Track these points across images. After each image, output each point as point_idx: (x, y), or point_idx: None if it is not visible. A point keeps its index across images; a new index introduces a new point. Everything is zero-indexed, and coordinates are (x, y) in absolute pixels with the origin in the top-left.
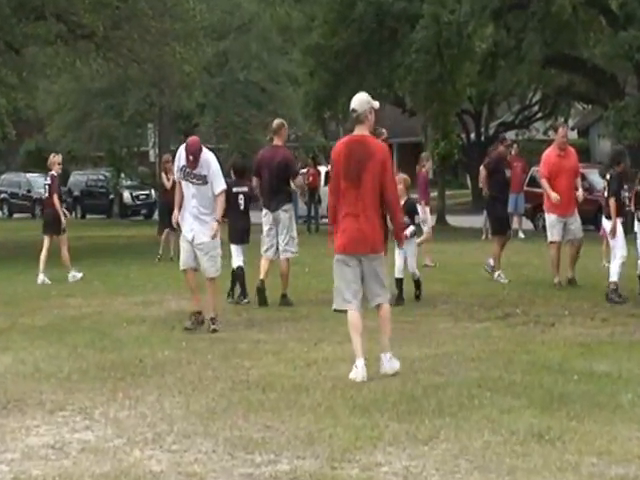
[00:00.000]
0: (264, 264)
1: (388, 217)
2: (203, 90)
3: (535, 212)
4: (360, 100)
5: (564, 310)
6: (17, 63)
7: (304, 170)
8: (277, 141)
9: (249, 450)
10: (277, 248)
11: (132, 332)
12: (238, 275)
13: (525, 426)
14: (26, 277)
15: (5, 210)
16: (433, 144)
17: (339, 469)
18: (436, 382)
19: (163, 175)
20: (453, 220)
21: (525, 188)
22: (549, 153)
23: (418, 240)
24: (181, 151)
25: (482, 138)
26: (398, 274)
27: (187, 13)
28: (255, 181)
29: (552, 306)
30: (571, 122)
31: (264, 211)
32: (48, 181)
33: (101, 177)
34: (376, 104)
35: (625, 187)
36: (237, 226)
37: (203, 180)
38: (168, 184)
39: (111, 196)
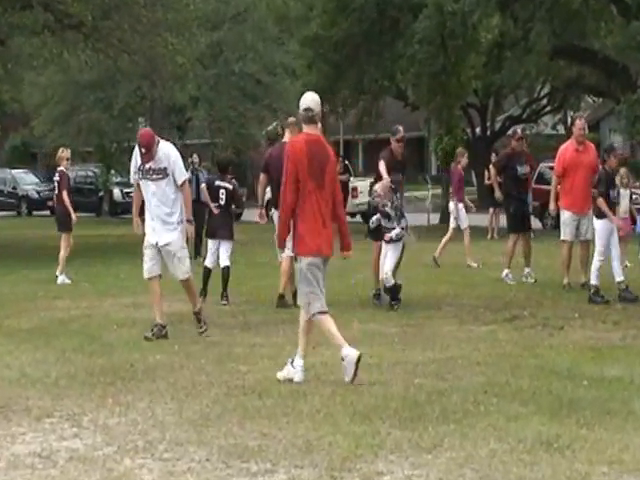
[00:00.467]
0: (283, 266)
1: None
2: (196, 82)
3: (543, 210)
4: (315, 99)
5: (574, 312)
6: (2, 54)
7: None
8: (287, 138)
9: (244, 459)
10: None
11: (122, 335)
12: (203, 274)
13: (533, 434)
14: (11, 278)
15: None
16: (436, 139)
17: (339, 479)
18: (440, 387)
19: None
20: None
21: (533, 185)
22: (566, 147)
23: (445, 238)
24: (137, 151)
25: (488, 133)
26: (390, 280)
27: (180, 2)
28: (262, 177)
29: (561, 308)
30: None
31: (273, 210)
32: (57, 177)
33: (90, 173)
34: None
35: (617, 185)
36: (213, 221)
37: (163, 173)
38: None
39: (100, 193)
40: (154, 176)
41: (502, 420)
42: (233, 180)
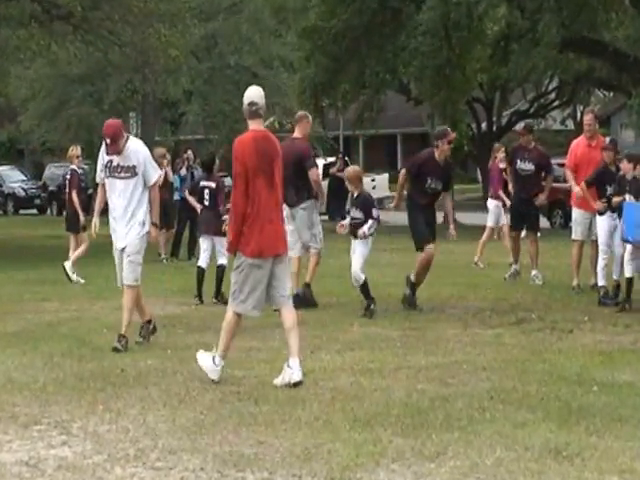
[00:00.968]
0: (294, 262)
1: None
2: (190, 76)
3: (552, 209)
4: (259, 93)
5: (583, 315)
6: None
7: None
8: (297, 133)
9: (240, 467)
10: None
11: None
12: (197, 275)
13: (541, 441)
14: None
15: None
16: None
17: None
18: (444, 393)
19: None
20: (463, 217)
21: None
22: (578, 142)
23: (483, 239)
24: (104, 147)
25: (494, 128)
26: (357, 282)
27: None
28: None
29: (570, 311)
30: None
31: (284, 206)
32: (68, 176)
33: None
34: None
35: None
36: (204, 217)
37: (132, 172)
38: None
39: (90, 191)
40: (122, 174)
41: (509, 427)
42: (222, 177)
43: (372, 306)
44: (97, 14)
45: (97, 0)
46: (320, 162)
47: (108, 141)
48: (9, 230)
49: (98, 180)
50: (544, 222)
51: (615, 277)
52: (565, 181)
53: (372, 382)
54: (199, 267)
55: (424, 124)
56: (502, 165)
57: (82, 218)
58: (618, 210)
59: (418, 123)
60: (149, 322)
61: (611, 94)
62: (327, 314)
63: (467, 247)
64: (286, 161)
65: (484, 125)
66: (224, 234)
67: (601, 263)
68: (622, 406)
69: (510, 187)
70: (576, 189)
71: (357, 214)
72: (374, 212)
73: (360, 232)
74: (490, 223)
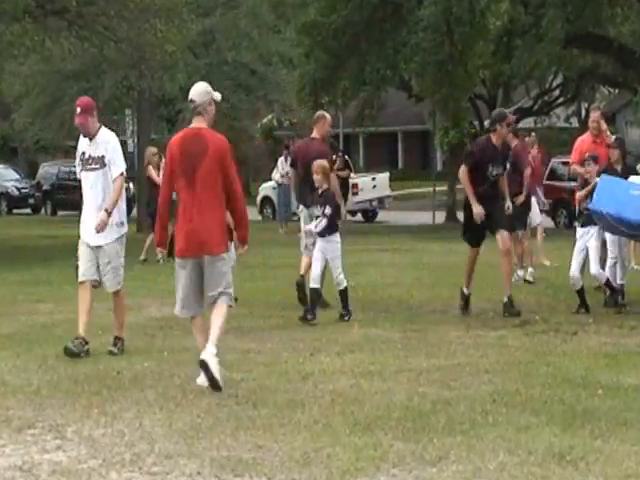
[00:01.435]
0: (304, 260)
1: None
2: (187, 72)
3: (556, 208)
4: (199, 90)
5: (588, 317)
6: None
7: None
8: (315, 133)
9: (238, 472)
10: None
11: (108, 341)
12: None
13: (544, 446)
14: None
15: None
16: (442, 132)
17: None
18: (446, 397)
19: (150, 168)
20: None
21: (545, 182)
22: (583, 138)
23: (539, 238)
24: (81, 139)
25: None
26: (313, 283)
27: None
28: (291, 172)
29: (574, 312)
30: None
31: (300, 207)
32: None
33: (73, 169)
34: (217, 95)
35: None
36: None
37: (100, 163)
38: (158, 179)
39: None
40: (92, 165)
41: (512, 431)
42: None
43: (346, 317)
44: (92, 9)
45: None
46: None
47: (78, 110)
48: (2, 230)
49: (78, 175)
50: (548, 222)
51: (619, 281)
52: (569, 180)
53: (372, 385)
54: None
55: (425, 122)
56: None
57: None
58: None
59: (419, 121)
60: (86, 342)
61: (616, 91)
62: (326, 316)
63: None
64: (303, 161)
65: (487, 122)
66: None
67: (609, 262)
68: (627, 410)
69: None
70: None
71: (317, 211)
72: (327, 210)
73: (307, 228)
74: (538, 220)
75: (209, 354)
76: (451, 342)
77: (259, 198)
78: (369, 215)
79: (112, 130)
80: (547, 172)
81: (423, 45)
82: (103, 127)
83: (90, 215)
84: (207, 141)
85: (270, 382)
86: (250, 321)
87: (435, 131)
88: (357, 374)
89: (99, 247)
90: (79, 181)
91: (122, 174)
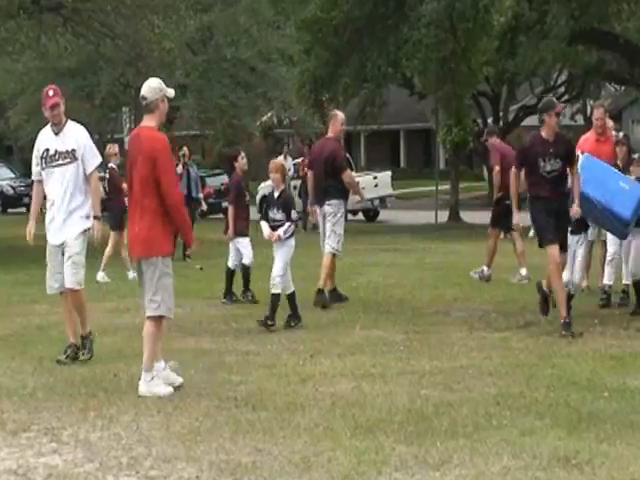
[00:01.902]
0: (324, 261)
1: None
2: (185, 69)
3: None
4: (151, 86)
5: (593, 319)
6: None
7: (297, 160)
8: (329, 132)
9: (237, 476)
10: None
11: (105, 343)
12: (226, 274)
13: (549, 449)
14: None
15: None
16: (445, 130)
17: None
18: (449, 399)
19: None
20: (467, 216)
21: None
22: (587, 137)
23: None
24: (41, 136)
25: (501, 123)
26: (274, 289)
27: None
28: (310, 174)
29: (580, 314)
30: None
31: (315, 207)
32: (107, 175)
33: None
34: (170, 92)
35: None
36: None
37: (71, 157)
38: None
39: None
40: (60, 161)
41: (516, 434)
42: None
43: (292, 323)
44: (88, 5)
45: None
46: None
47: (51, 93)
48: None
49: (34, 177)
50: None
51: (625, 281)
52: None
53: (374, 387)
54: (228, 268)
55: (428, 119)
56: None
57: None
58: None
59: (422, 118)
60: (86, 337)
61: (622, 88)
62: (327, 317)
63: (472, 248)
64: (317, 160)
65: (490, 120)
66: (245, 234)
67: (609, 258)
68: (634, 412)
69: None
70: None
71: (278, 215)
72: (293, 214)
73: (275, 235)
74: None
75: (143, 385)
76: (454, 344)
77: (258, 197)
78: (370, 214)
79: (109, 126)
80: None
81: (425, 42)
82: (70, 120)
83: (56, 213)
84: (141, 143)
85: (270, 385)
86: (249, 322)
87: (438, 129)
88: (358, 376)
89: (64, 243)
90: (31, 183)
91: (96, 170)
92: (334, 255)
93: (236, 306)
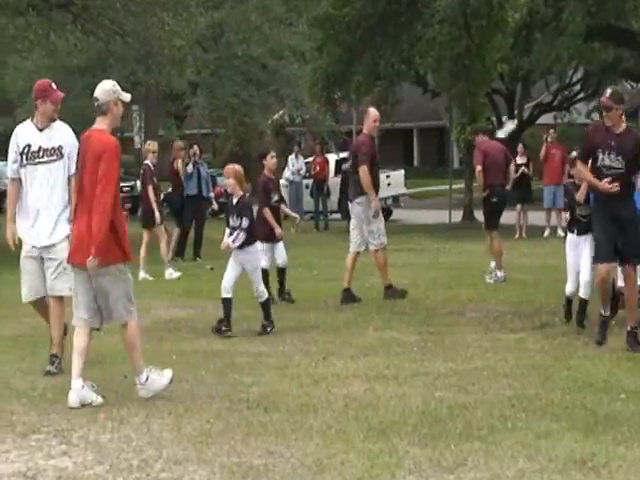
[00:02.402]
0: (349, 258)
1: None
2: (196, 67)
3: None
4: (104, 88)
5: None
6: None
7: (309, 159)
8: (364, 129)
9: (249, 479)
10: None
11: (115, 344)
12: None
13: (565, 452)
14: None
15: None
16: (459, 129)
17: None
18: (463, 401)
19: (179, 162)
20: (481, 215)
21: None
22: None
23: None
24: (21, 132)
25: (515, 121)
26: (225, 293)
27: None
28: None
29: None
30: None
31: (351, 203)
32: (142, 172)
33: None
34: (126, 97)
35: None
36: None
37: (57, 154)
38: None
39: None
40: (45, 158)
41: (531, 437)
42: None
43: (223, 328)
44: (98, 2)
45: None
46: (332, 157)
47: (54, 85)
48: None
49: (10, 174)
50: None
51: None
52: None
53: (387, 389)
54: (262, 269)
55: (442, 117)
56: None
57: (157, 214)
58: None
59: (435, 117)
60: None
61: (639, 86)
62: (340, 318)
63: (487, 248)
64: (353, 156)
65: (505, 118)
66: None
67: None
68: None
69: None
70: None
71: (237, 222)
72: (244, 222)
73: (224, 244)
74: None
75: (142, 389)
76: (469, 345)
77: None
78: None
79: (119, 126)
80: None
81: (439, 39)
82: (58, 120)
83: (41, 215)
84: (90, 145)
85: (282, 386)
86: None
87: (451, 127)
88: (371, 378)
89: (52, 246)
90: (125, 178)
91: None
92: (383, 249)
93: (247, 307)
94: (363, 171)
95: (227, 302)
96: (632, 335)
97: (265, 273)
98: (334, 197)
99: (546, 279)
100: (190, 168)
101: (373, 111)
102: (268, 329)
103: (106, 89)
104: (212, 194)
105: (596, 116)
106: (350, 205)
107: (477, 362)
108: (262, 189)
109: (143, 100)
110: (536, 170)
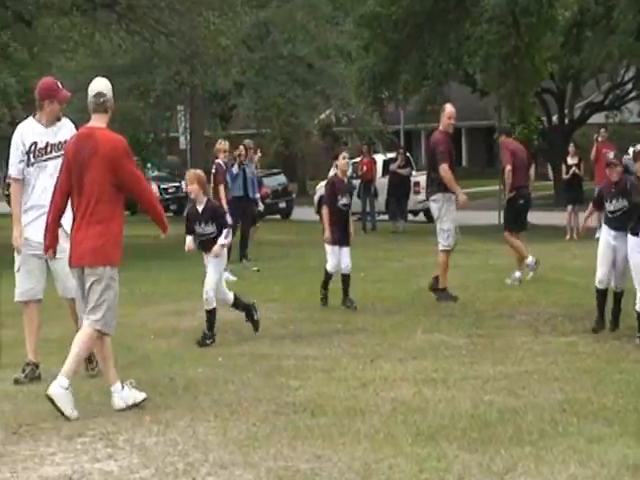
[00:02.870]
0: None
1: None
2: (241, 67)
3: None
4: (107, 85)
5: None
6: (28, 37)
7: (357, 159)
8: (442, 125)
9: None
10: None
11: (161, 346)
12: (324, 278)
13: (618, 457)
14: None
15: None
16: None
17: None
18: (513, 405)
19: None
20: (532, 216)
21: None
22: None
23: None
24: (24, 130)
25: (566, 121)
26: (207, 304)
27: None
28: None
29: None
30: None
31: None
32: (213, 170)
33: None
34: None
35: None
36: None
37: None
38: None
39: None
40: (54, 153)
41: (583, 442)
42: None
43: (208, 341)
44: (143, 2)
45: None
46: (380, 158)
47: (60, 84)
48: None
49: (15, 174)
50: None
51: None
52: None
53: (436, 393)
54: (326, 271)
55: (490, 117)
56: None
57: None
58: None
59: (484, 116)
60: (37, 366)
61: None
62: (388, 320)
63: (537, 248)
64: (428, 153)
65: (555, 118)
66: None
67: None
68: None
69: None
70: None
71: (208, 228)
72: (227, 218)
73: (217, 247)
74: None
75: (57, 387)
76: (519, 348)
77: (316, 197)
78: (431, 215)
79: (164, 125)
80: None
81: (488, 37)
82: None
83: (40, 217)
84: (97, 143)
85: (329, 389)
86: (308, 326)
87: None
88: (420, 381)
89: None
90: (169, 179)
91: None
92: (447, 251)
93: (294, 309)
94: (444, 170)
95: (212, 313)
96: None
97: (327, 276)
98: (381, 198)
99: (592, 282)
100: (235, 169)
101: (449, 107)
102: (208, 341)
103: (109, 85)
104: (258, 195)
105: None
106: (429, 204)
107: (527, 365)
108: (330, 189)
109: (188, 100)
110: (587, 170)
